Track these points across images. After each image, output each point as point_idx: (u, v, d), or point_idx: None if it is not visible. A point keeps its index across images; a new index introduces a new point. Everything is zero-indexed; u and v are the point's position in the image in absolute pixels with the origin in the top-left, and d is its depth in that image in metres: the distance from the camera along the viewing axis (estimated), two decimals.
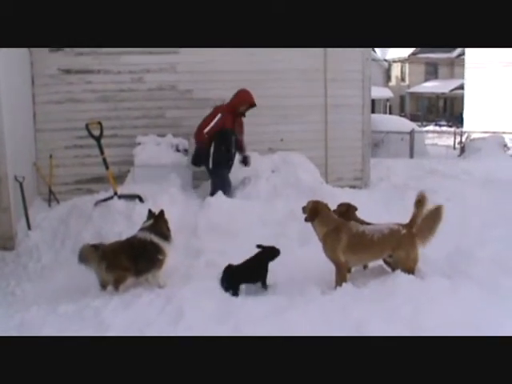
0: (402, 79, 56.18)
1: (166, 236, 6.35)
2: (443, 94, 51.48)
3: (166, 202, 7.85)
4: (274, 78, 10.25)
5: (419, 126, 29.05)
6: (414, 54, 54.13)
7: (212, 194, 8.59)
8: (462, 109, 34.15)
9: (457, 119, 40.00)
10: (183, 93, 10.37)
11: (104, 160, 8.24)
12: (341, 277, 6.04)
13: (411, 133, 20.03)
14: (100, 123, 8.43)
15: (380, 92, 47.26)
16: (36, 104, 10.10)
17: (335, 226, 6.22)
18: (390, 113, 49.50)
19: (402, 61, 55.46)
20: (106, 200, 7.97)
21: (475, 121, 29.54)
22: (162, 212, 6.45)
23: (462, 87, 37.17)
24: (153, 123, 10.18)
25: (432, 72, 55.39)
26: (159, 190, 8.09)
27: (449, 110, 52.63)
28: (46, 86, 10.11)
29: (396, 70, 57.14)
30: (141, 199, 7.89)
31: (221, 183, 8.83)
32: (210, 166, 8.95)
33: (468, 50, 32.57)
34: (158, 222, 6.39)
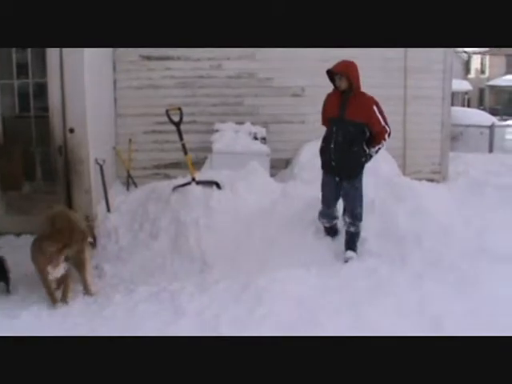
0: (482, 72, 54.85)
1: None
2: None
3: (243, 189, 7.90)
4: None
5: (499, 120, 28.34)
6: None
7: None
8: None
9: None
10: (262, 81, 10.38)
11: (183, 146, 8.32)
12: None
13: (491, 127, 19.55)
14: (180, 109, 8.51)
15: (459, 84, 46.23)
16: (117, 89, 10.30)
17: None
18: (469, 106, 48.41)
19: (482, 53, 54.15)
20: (183, 185, 8.05)
21: None
22: None
23: None
24: (231, 110, 10.23)
25: None
26: (237, 177, 8.13)
27: None
28: (127, 71, 10.31)
29: (476, 63, 55.79)
30: (218, 186, 7.95)
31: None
32: None
33: None
34: None
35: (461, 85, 47.81)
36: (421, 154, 10.64)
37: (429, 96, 10.63)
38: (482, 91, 53.56)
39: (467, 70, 55.92)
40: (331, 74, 6.89)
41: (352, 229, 6.95)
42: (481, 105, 50.62)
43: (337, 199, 7.10)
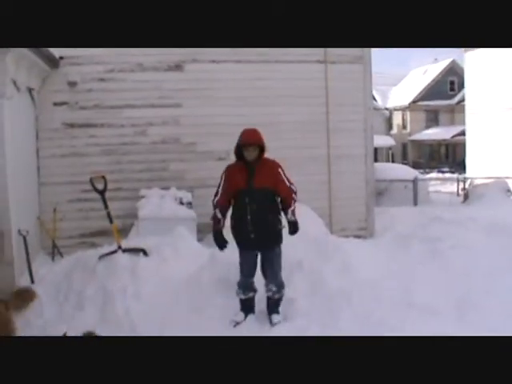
0: (404, 127, 56.51)
1: None
2: (445, 140, 51.65)
3: (170, 256, 7.83)
4: (277, 130, 10.32)
5: (422, 174, 29.10)
6: (414, 101, 54.59)
7: None
8: (464, 155, 34.29)
9: (459, 165, 40.06)
10: (186, 146, 10.44)
11: (108, 214, 8.22)
12: None
13: (414, 180, 20.05)
14: (104, 177, 8.44)
15: (382, 140, 47.53)
16: (40, 158, 10.18)
17: None
18: (393, 161, 49.63)
19: (403, 109, 55.89)
20: (110, 254, 7.92)
21: (478, 166, 29.57)
22: None
23: (463, 133, 37.30)
24: (156, 176, 10.23)
25: (433, 119, 55.70)
26: (164, 243, 8.06)
27: (451, 157, 52.75)
28: (50, 139, 10.21)
29: (397, 118, 57.54)
30: (145, 253, 7.85)
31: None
32: None
33: (468, 96, 32.78)
34: None
35: (384, 140, 49.22)
36: (347, 212, 10.81)
37: (352, 154, 10.89)
38: (404, 146, 55.11)
39: (390, 125, 57.60)
40: (242, 146, 6.60)
41: (276, 295, 6.81)
42: (404, 159, 52.03)
43: (256, 269, 6.92)
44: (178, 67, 10.55)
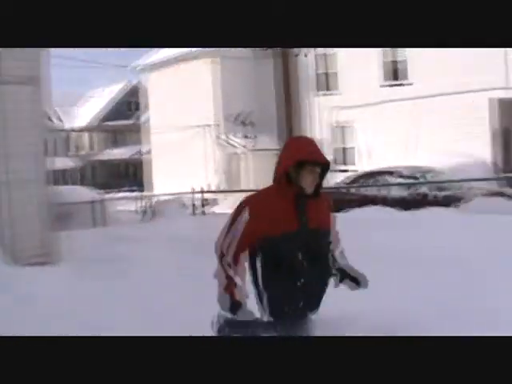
0: (86, 148, 56.79)
1: None
2: (127, 159, 52.72)
3: None
4: None
5: (106, 193, 29.48)
6: (97, 121, 55.11)
7: None
8: (144, 173, 35.74)
9: (143, 184, 41.20)
10: None
11: None
12: None
13: (95, 201, 20.31)
14: None
15: (62, 163, 47.08)
16: None
17: None
18: (82, 182, 49.28)
19: (87, 129, 56.07)
20: None
21: (164, 183, 30.84)
22: None
23: (147, 152, 38.46)
24: None
25: (115, 139, 56.71)
26: None
27: (135, 175, 53.89)
28: None
29: (81, 139, 57.56)
30: None
31: None
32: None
33: (152, 116, 34.00)
34: None
35: (64, 163, 49.10)
36: (27, 239, 10.40)
37: (27, 179, 10.50)
38: (89, 166, 55.40)
39: (72, 146, 57.48)
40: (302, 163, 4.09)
41: None
42: (90, 179, 52.24)
43: None
44: None
